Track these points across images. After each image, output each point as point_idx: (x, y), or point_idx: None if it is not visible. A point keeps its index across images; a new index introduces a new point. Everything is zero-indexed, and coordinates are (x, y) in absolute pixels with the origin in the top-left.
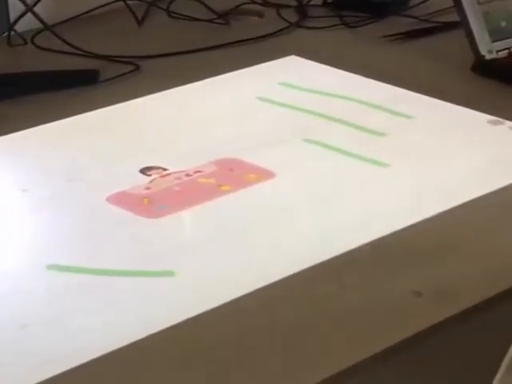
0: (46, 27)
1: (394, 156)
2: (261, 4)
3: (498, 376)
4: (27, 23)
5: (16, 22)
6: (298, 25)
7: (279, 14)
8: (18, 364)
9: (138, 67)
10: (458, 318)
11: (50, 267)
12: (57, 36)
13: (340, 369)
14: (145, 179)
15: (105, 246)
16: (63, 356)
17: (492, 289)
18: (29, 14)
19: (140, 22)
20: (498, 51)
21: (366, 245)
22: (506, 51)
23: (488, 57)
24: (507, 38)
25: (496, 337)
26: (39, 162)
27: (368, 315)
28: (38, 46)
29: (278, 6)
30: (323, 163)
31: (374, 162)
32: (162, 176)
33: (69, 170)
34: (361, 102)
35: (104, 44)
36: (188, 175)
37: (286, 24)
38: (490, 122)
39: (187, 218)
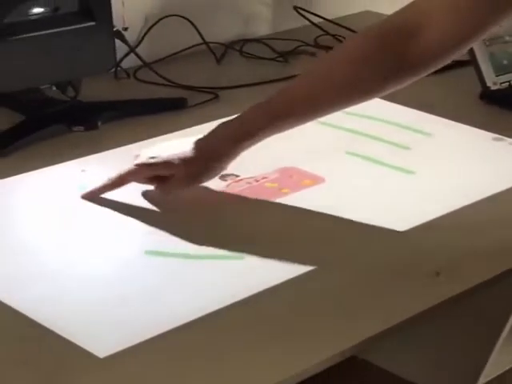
0: (145, 64)
1: (418, 165)
2: (313, 46)
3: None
4: (130, 61)
5: (121, 60)
6: None
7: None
8: (121, 330)
9: (217, 96)
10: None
11: (148, 252)
12: (153, 71)
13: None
14: (222, 184)
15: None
16: (158, 322)
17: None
18: (131, 54)
19: (219, 60)
20: (501, 83)
21: (401, 233)
22: (507, 83)
23: (493, 88)
24: (508, 73)
25: (499, 307)
26: None
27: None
28: (138, 79)
29: (327, 48)
30: (363, 171)
31: (403, 170)
32: (236, 181)
33: None
34: (390, 123)
35: (190, 77)
36: (256, 181)
37: None
38: (494, 139)
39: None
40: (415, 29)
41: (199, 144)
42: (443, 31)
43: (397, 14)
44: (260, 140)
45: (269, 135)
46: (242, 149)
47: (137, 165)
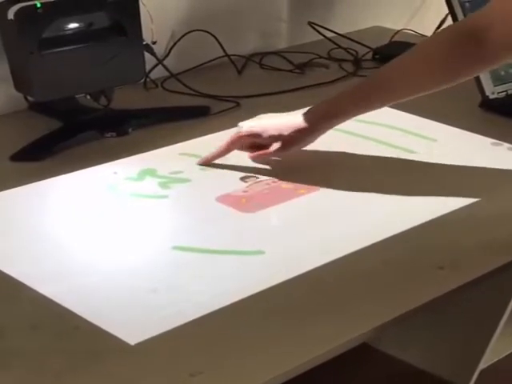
0: (172, 75)
1: (424, 168)
2: (327, 59)
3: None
4: (158, 72)
5: (150, 71)
6: (354, 74)
7: (340, 66)
8: (151, 319)
9: (238, 104)
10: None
11: (175, 248)
12: (180, 81)
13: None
14: (243, 185)
15: (214, 232)
16: (184, 312)
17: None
18: (159, 66)
19: (239, 72)
20: (498, 93)
21: (406, 230)
22: (504, 93)
23: (491, 97)
24: (505, 84)
25: (497, 298)
26: (167, 169)
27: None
28: (165, 89)
29: (340, 60)
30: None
31: (409, 172)
32: (256, 182)
33: (190, 175)
34: (398, 129)
35: (213, 87)
36: (274, 182)
37: (345, 73)
38: (492, 143)
39: (274, 212)
40: (486, 25)
41: (297, 119)
42: (510, 27)
43: (471, 15)
44: (346, 119)
45: (353, 116)
46: (331, 126)
47: (239, 134)
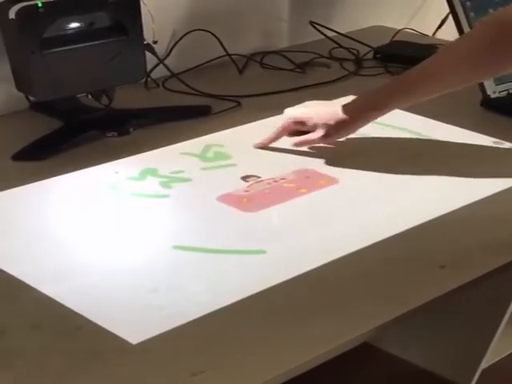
0: (173, 75)
1: (427, 167)
2: (328, 58)
3: (501, 328)
4: (159, 72)
5: (151, 71)
6: (355, 73)
7: (341, 65)
8: (152, 318)
9: (239, 103)
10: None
11: (176, 247)
12: (181, 81)
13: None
14: (244, 184)
15: (215, 231)
16: (184, 311)
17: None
18: (160, 65)
19: (240, 71)
20: (499, 92)
21: (408, 229)
22: (506, 92)
23: (493, 96)
24: (506, 83)
25: (499, 298)
26: (168, 169)
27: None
28: (167, 89)
29: (341, 60)
30: (375, 173)
31: (409, 171)
32: (257, 182)
33: (191, 174)
34: (400, 129)
35: (214, 87)
36: (275, 181)
37: (346, 73)
38: (494, 142)
39: (275, 212)
40: None
41: (341, 110)
42: None
43: (500, 10)
44: (386, 112)
45: (392, 109)
46: (371, 119)
47: (286, 122)
